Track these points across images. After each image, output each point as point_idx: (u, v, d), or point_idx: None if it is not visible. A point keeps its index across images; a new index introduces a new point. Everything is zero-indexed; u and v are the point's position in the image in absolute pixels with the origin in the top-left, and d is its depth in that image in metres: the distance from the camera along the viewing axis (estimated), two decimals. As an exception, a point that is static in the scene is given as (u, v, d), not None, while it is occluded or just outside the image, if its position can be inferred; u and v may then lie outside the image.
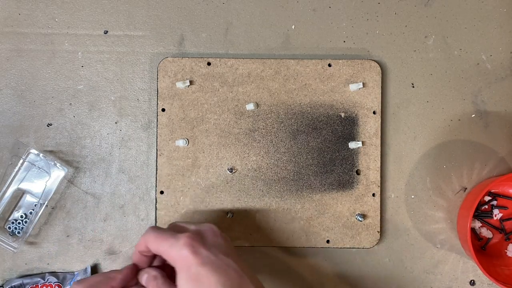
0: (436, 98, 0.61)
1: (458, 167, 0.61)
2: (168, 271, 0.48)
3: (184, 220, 0.56)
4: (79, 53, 0.61)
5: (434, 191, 0.61)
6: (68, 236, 0.60)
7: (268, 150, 0.59)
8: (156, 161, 0.59)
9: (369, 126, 0.59)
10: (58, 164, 0.59)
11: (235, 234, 0.59)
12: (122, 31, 0.61)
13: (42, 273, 0.60)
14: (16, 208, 0.59)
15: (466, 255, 0.60)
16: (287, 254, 0.60)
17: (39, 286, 0.58)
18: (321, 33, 0.61)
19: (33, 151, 0.59)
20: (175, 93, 0.59)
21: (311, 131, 0.59)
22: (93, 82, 0.61)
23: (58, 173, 0.59)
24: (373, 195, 0.59)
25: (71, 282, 0.58)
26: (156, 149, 0.59)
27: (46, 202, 0.59)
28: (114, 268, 0.60)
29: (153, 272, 0.47)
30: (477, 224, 0.61)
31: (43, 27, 0.61)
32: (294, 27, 0.61)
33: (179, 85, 0.59)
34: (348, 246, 0.59)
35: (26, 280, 0.58)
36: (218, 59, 0.59)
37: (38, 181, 0.59)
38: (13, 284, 0.58)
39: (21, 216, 0.59)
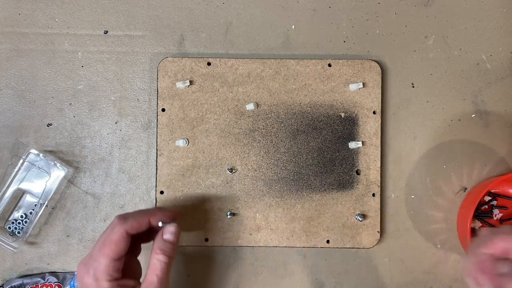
0: (436, 98, 0.61)
1: (458, 167, 0.61)
2: None
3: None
4: (79, 53, 0.61)
5: (434, 191, 0.61)
6: (68, 236, 0.60)
7: (268, 150, 0.59)
8: (156, 161, 0.59)
9: (369, 126, 0.59)
10: (58, 164, 0.59)
11: (235, 234, 0.59)
12: (122, 31, 0.61)
13: (42, 273, 0.60)
14: (16, 208, 0.59)
15: (466, 255, 0.60)
16: (287, 254, 0.60)
17: (39, 286, 0.58)
18: (321, 33, 0.61)
19: (33, 151, 0.59)
20: (175, 93, 0.59)
21: (311, 131, 0.59)
22: (93, 82, 0.61)
23: (58, 173, 0.59)
24: (373, 195, 0.59)
25: (71, 282, 0.58)
26: (156, 149, 0.59)
27: (46, 202, 0.59)
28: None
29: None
30: (477, 224, 0.61)
31: (43, 27, 0.61)
32: (294, 27, 0.61)
33: (179, 85, 0.59)
34: (348, 246, 0.59)
35: (26, 280, 0.58)
36: (218, 59, 0.59)
37: (38, 181, 0.59)
38: (13, 284, 0.58)
39: (21, 216, 0.59)
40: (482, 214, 0.60)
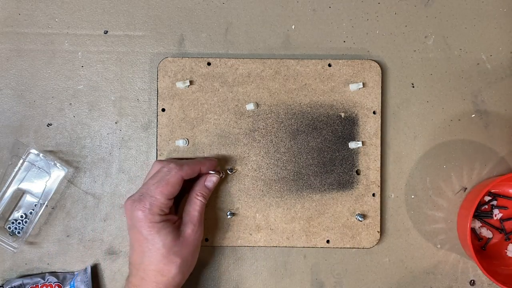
0: (436, 98, 0.61)
1: (458, 167, 0.61)
2: None
3: None
4: (79, 53, 0.61)
5: (434, 191, 0.61)
6: (68, 236, 0.60)
7: (268, 150, 0.59)
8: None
9: (369, 126, 0.59)
10: (58, 164, 0.59)
11: (235, 234, 0.59)
12: (122, 31, 0.61)
13: (42, 273, 0.60)
14: (16, 208, 0.59)
15: (466, 255, 0.60)
16: (287, 254, 0.60)
17: (39, 286, 0.58)
18: (321, 33, 0.61)
19: (33, 151, 0.59)
20: (175, 93, 0.59)
21: (311, 131, 0.59)
22: (93, 82, 0.61)
23: (58, 173, 0.59)
24: (373, 195, 0.59)
25: (71, 282, 0.58)
26: (156, 149, 0.59)
27: (46, 202, 0.59)
28: (114, 269, 0.60)
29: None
30: (477, 224, 0.61)
31: (43, 27, 0.61)
32: (294, 27, 0.61)
33: (179, 85, 0.59)
34: (348, 246, 0.59)
35: (26, 280, 0.58)
36: (218, 59, 0.59)
37: (38, 181, 0.59)
38: (13, 284, 0.58)
39: (21, 216, 0.59)
40: (482, 214, 0.60)
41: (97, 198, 0.60)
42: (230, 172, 0.58)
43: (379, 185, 0.59)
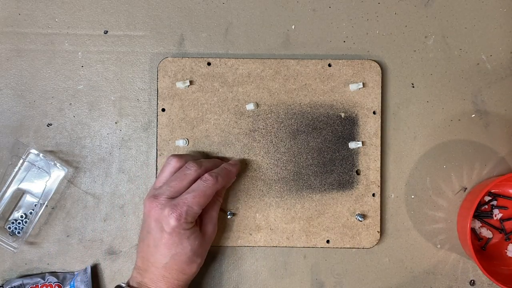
0: (436, 98, 0.61)
1: (458, 167, 0.61)
2: None
3: None
4: (79, 53, 0.61)
5: (434, 191, 0.61)
6: (68, 236, 0.60)
7: (268, 150, 0.59)
8: (156, 161, 0.59)
9: (369, 126, 0.59)
10: (58, 164, 0.59)
11: (235, 234, 0.59)
12: (122, 31, 0.61)
13: (42, 273, 0.60)
14: (16, 208, 0.59)
15: (466, 255, 0.60)
16: (287, 254, 0.60)
17: (39, 286, 0.58)
18: (321, 33, 0.61)
19: (33, 151, 0.59)
20: (175, 93, 0.59)
21: (311, 131, 0.59)
22: (93, 82, 0.61)
23: (58, 173, 0.59)
24: (373, 195, 0.59)
25: (71, 282, 0.58)
26: (156, 149, 0.59)
27: (46, 202, 0.59)
28: (114, 269, 0.60)
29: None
30: (477, 224, 0.61)
31: (43, 27, 0.61)
32: (294, 27, 0.61)
33: (179, 85, 0.59)
34: (348, 246, 0.59)
35: (26, 280, 0.58)
36: (218, 59, 0.59)
37: (38, 181, 0.59)
38: (13, 284, 0.58)
39: (21, 216, 0.59)
40: (482, 214, 0.60)
41: (97, 198, 0.60)
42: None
43: (379, 185, 0.59)
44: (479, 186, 0.59)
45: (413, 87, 0.61)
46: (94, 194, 0.60)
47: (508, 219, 0.60)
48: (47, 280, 0.58)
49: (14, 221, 0.59)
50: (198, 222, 0.55)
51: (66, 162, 0.60)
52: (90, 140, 0.60)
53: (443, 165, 0.61)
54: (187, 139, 0.59)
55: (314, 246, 0.59)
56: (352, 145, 0.59)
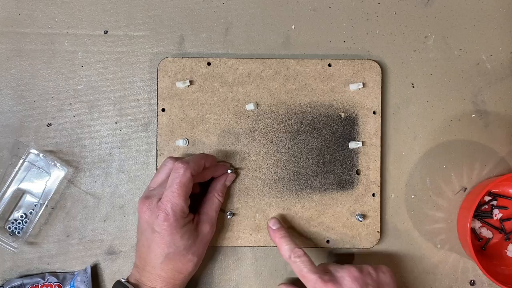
0: (436, 98, 0.61)
1: (458, 167, 0.61)
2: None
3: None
4: (79, 53, 0.61)
5: (434, 191, 0.61)
6: (68, 236, 0.60)
7: (268, 150, 0.59)
8: (156, 161, 0.59)
9: (369, 126, 0.59)
10: (58, 164, 0.59)
11: (235, 234, 0.59)
12: (122, 31, 0.61)
13: (42, 273, 0.60)
14: (16, 208, 0.59)
15: (466, 255, 0.60)
16: (287, 254, 0.60)
17: (39, 286, 0.58)
18: (321, 33, 0.61)
19: (33, 151, 0.59)
20: (175, 93, 0.59)
21: (311, 131, 0.59)
22: (93, 82, 0.61)
23: (58, 173, 0.59)
24: (373, 195, 0.59)
25: (71, 282, 0.58)
26: (156, 149, 0.59)
27: (46, 202, 0.59)
28: (114, 269, 0.60)
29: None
30: (477, 224, 0.61)
31: (43, 27, 0.61)
32: (294, 27, 0.61)
33: (179, 85, 0.59)
34: (348, 246, 0.59)
35: (26, 280, 0.58)
36: (218, 59, 0.59)
37: (38, 181, 0.59)
38: (13, 284, 0.58)
39: (21, 216, 0.59)
40: (482, 214, 0.60)
41: (97, 198, 0.60)
42: (230, 172, 0.58)
43: (379, 185, 0.59)
44: (479, 186, 0.59)
45: (413, 87, 0.61)
46: (94, 194, 0.60)
47: (508, 219, 0.60)
48: (47, 280, 0.58)
49: (14, 221, 0.59)
50: (194, 221, 0.54)
51: (66, 162, 0.60)
52: (90, 140, 0.60)
53: (443, 165, 0.61)
54: (187, 139, 0.59)
55: (314, 246, 0.59)
56: (352, 145, 0.59)
